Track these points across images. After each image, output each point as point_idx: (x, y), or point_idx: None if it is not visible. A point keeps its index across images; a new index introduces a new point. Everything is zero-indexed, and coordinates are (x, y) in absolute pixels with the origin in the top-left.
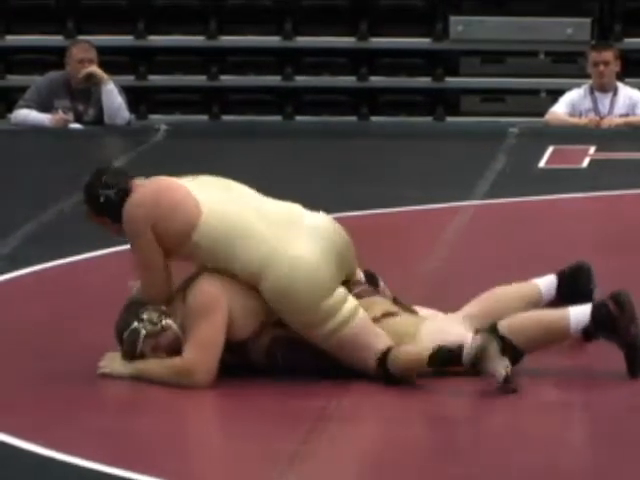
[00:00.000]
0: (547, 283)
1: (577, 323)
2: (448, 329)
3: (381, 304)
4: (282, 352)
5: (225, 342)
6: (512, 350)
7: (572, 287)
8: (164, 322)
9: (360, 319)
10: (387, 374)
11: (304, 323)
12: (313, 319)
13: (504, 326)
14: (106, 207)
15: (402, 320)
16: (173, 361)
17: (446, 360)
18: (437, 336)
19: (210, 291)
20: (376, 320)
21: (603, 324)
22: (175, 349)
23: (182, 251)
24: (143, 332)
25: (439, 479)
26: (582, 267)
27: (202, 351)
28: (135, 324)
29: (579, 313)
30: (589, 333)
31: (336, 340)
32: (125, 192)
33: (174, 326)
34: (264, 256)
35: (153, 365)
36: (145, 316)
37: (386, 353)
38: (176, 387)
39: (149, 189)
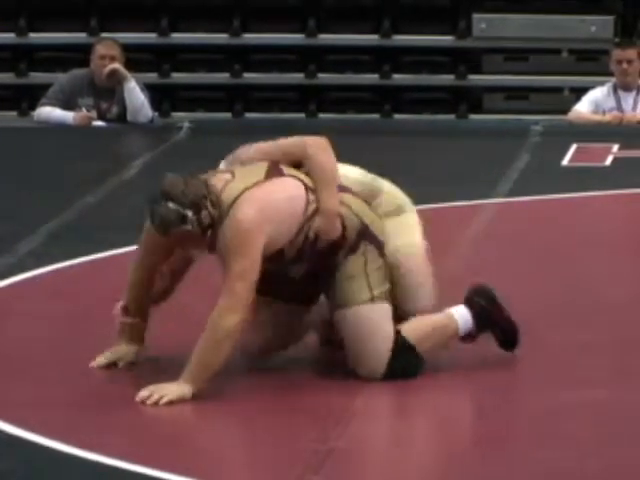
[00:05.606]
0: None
1: (464, 325)
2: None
3: None
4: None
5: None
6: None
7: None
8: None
9: None
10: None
11: None
12: None
13: (408, 332)
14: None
15: None
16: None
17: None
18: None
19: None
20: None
21: (485, 321)
22: None
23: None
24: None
25: (464, 477)
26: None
27: (237, 290)
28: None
29: (461, 315)
30: (472, 334)
31: None
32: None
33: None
34: None
35: (194, 363)
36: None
37: None
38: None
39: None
